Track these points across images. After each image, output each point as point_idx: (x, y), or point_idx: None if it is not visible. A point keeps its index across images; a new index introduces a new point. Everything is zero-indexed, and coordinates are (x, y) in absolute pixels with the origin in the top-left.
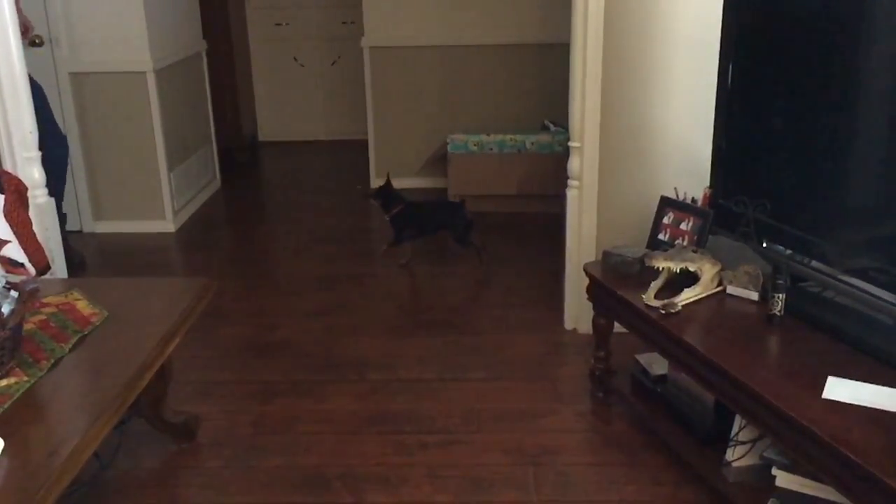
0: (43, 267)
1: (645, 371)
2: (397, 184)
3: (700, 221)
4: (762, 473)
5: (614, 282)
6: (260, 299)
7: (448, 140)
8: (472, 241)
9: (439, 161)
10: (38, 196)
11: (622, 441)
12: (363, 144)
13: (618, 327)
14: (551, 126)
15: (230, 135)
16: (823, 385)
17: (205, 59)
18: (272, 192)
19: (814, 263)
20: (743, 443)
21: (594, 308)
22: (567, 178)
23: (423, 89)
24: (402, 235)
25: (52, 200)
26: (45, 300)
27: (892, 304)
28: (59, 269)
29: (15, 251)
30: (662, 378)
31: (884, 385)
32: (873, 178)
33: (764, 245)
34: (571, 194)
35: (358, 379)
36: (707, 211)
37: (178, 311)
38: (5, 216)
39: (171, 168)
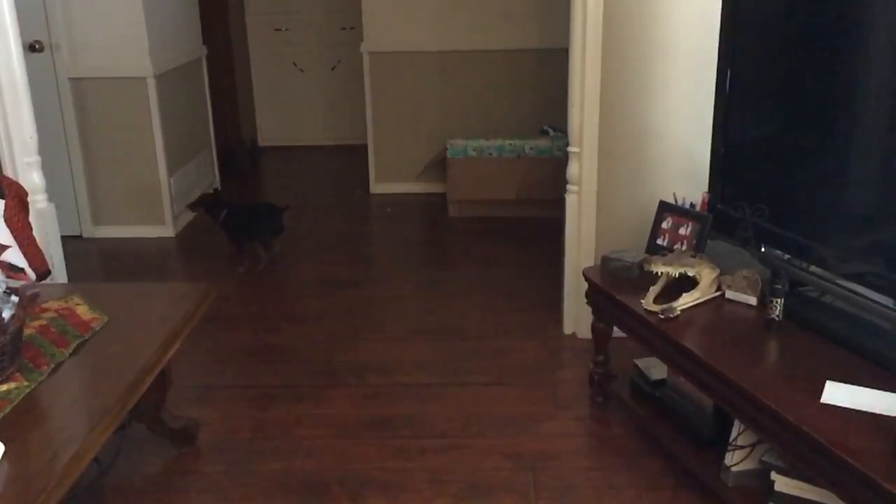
0: (43, 272)
1: (644, 375)
2: (397, 188)
3: (699, 226)
4: (761, 478)
5: (613, 286)
6: (260, 304)
7: (447, 145)
8: (270, 245)
9: (439, 166)
10: (39, 201)
11: (621, 445)
12: (363, 149)
13: (617, 332)
14: (550, 131)
15: (230, 140)
16: (822, 389)
17: (205, 65)
18: (272, 197)
19: (812, 268)
20: (742, 447)
21: (593, 313)
22: (566, 182)
23: (422, 94)
24: (237, 239)
25: (53, 205)
26: (45, 305)
27: (890, 308)
28: (59, 273)
29: (15, 256)
30: (661, 382)
31: (882, 389)
32: (871, 183)
33: (762, 250)
34: (570, 199)
35: (358, 383)
36: (705, 215)
37: (178, 315)
38: (6, 221)
39: (171, 173)
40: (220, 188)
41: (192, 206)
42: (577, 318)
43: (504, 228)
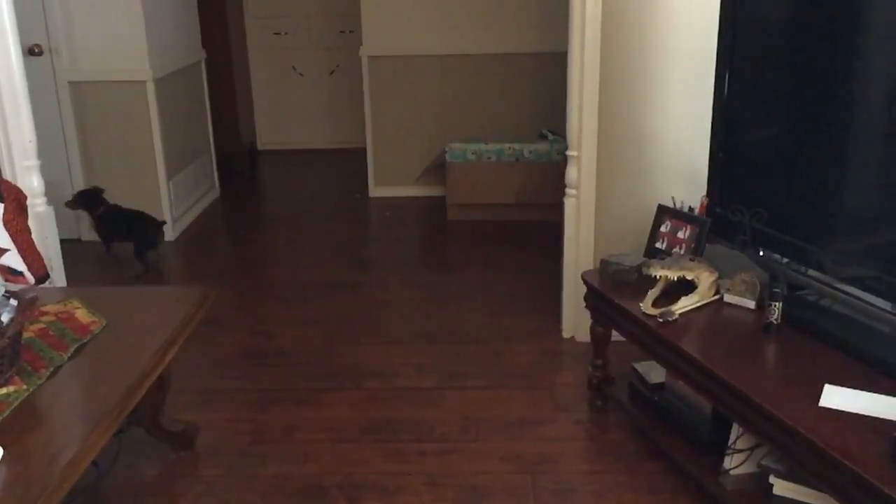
0: (42, 275)
1: (643, 379)
2: (396, 191)
3: (697, 230)
4: (760, 481)
5: (612, 290)
6: (258, 307)
7: (446, 149)
8: (145, 260)
9: (438, 170)
10: (38, 205)
11: (620, 449)
12: (362, 153)
13: (616, 335)
14: (549, 135)
15: (229, 143)
16: (820, 393)
17: (204, 68)
18: (271, 201)
19: (810, 272)
20: (740, 451)
21: (592, 316)
22: (565, 186)
23: (421, 98)
24: (107, 237)
25: (52, 209)
26: (44, 308)
27: (888, 312)
28: (58, 277)
29: (14, 259)
30: (660, 386)
31: (880, 393)
32: (870, 187)
33: (761, 253)
34: (569, 203)
35: (356, 387)
36: (704, 219)
37: (176, 319)
38: (5, 225)
39: (170, 176)
40: (102, 187)
41: (69, 204)
42: (575, 321)
43: (503, 232)
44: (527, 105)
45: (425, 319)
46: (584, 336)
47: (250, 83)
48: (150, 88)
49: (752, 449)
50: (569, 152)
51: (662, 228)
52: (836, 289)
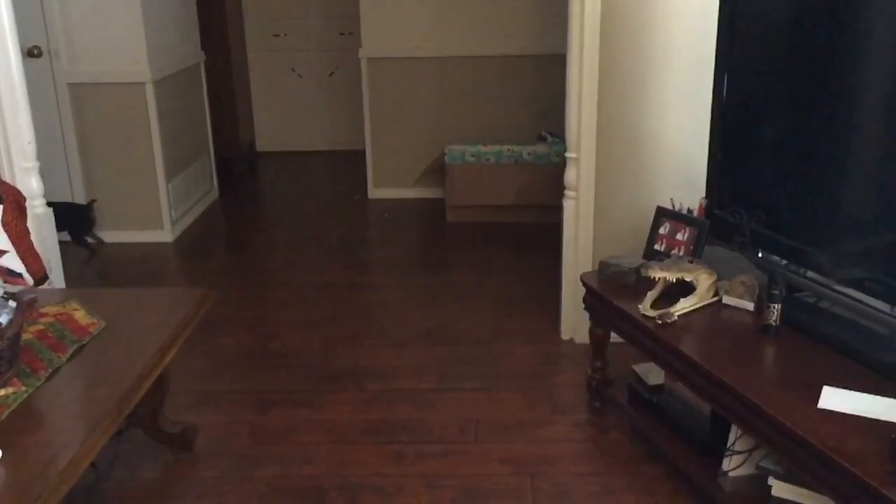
0: (40, 277)
1: (641, 381)
2: (395, 193)
3: (696, 232)
4: (758, 483)
5: (611, 292)
6: (258, 309)
7: (445, 150)
8: (86, 239)
9: (437, 171)
10: (37, 206)
11: (619, 451)
12: (361, 155)
13: (615, 337)
14: (548, 137)
15: (228, 145)
16: (819, 395)
17: (203, 70)
18: (270, 202)
19: (809, 274)
20: (739, 453)
21: (591, 318)
22: (564, 188)
23: (420, 100)
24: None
25: (51, 210)
26: (42, 310)
27: (886, 314)
28: (57, 279)
29: (13, 261)
30: (659, 388)
31: (879, 395)
32: (868, 189)
33: (760, 255)
34: (568, 205)
35: (355, 389)
36: (703, 221)
37: (175, 320)
38: (3, 226)
39: (169, 178)
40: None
41: None
42: (574, 323)
43: (502, 234)
44: (526, 107)
45: (424, 321)
46: (583, 338)
47: (249, 85)
48: (150, 90)
49: (750, 451)
50: (568, 154)
51: (661, 230)
52: (834, 291)
